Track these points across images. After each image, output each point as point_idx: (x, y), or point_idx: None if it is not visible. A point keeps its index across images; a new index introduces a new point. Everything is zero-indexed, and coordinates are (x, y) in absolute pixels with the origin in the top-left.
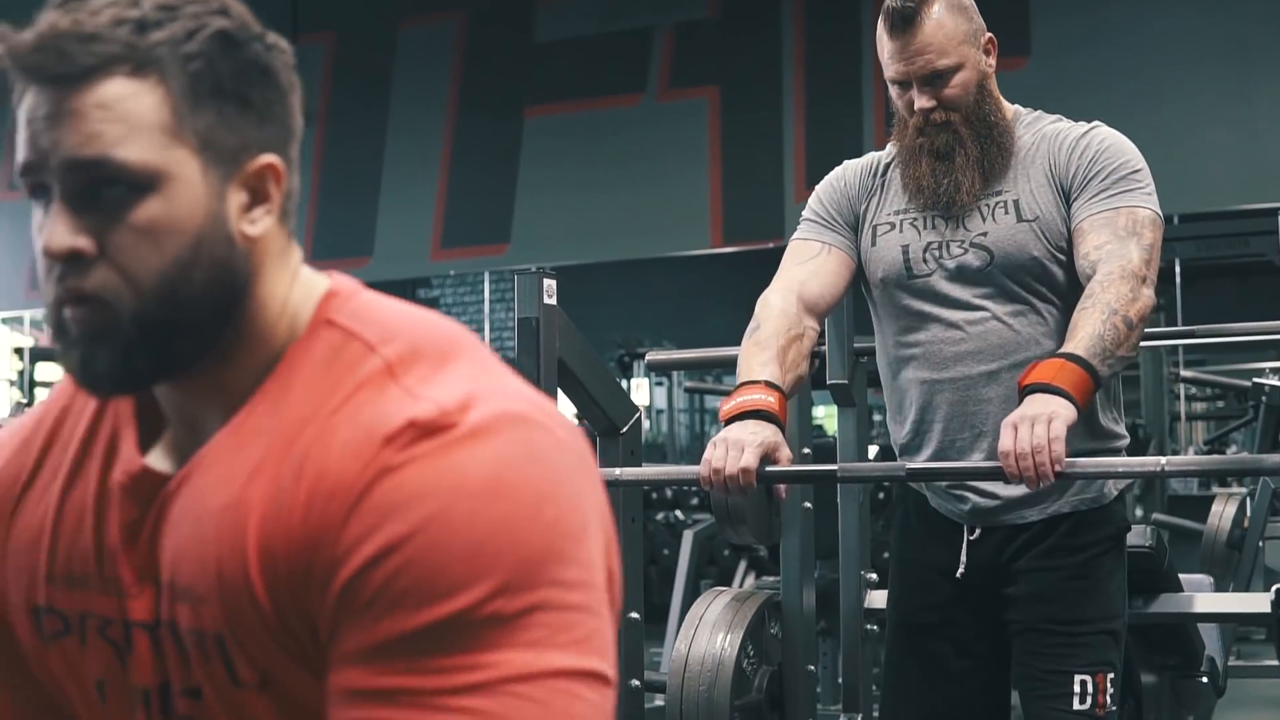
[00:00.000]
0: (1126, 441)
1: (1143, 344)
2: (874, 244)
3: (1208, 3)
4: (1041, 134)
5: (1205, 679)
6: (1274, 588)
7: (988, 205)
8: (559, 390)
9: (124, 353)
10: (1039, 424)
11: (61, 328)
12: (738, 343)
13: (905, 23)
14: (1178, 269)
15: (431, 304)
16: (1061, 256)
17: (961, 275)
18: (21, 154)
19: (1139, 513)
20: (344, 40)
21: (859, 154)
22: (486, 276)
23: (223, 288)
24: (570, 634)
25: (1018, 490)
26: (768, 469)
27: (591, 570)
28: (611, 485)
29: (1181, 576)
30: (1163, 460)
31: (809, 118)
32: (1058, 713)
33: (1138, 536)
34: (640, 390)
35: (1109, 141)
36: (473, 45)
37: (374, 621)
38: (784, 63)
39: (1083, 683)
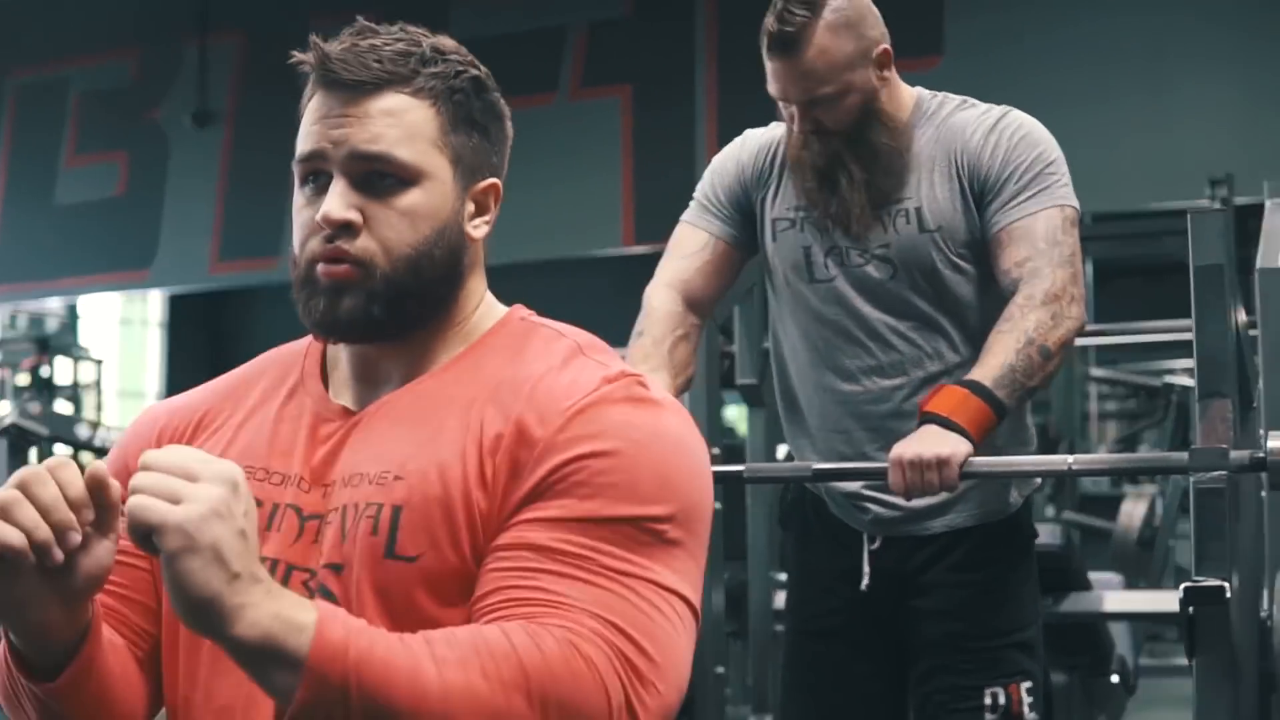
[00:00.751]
0: (1034, 443)
1: None
2: (774, 239)
3: (1123, 2)
4: (947, 128)
5: (1116, 678)
6: (1182, 585)
7: (888, 214)
8: None
9: (367, 304)
10: (929, 471)
11: (311, 280)
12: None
13: (785, 49)
14: (1091, 269)
15: None
16: (966, 264)
17: (864, 285)
18: (308, 144)
19: (1050, 512)
20: (254, 39)
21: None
22: None
23: (452, 270)
24: (691, 573)
25: (921, 502)
26: None
27: (709, 531)
28: None
29: (1091, 575)
30: (1070, 459)
31: (721, 116)
32: None
33: (1047, 535)
34: None
35: (1021, 133)
36: None
37: (577, 501)
38: (696, 60)
39: (994, 694)
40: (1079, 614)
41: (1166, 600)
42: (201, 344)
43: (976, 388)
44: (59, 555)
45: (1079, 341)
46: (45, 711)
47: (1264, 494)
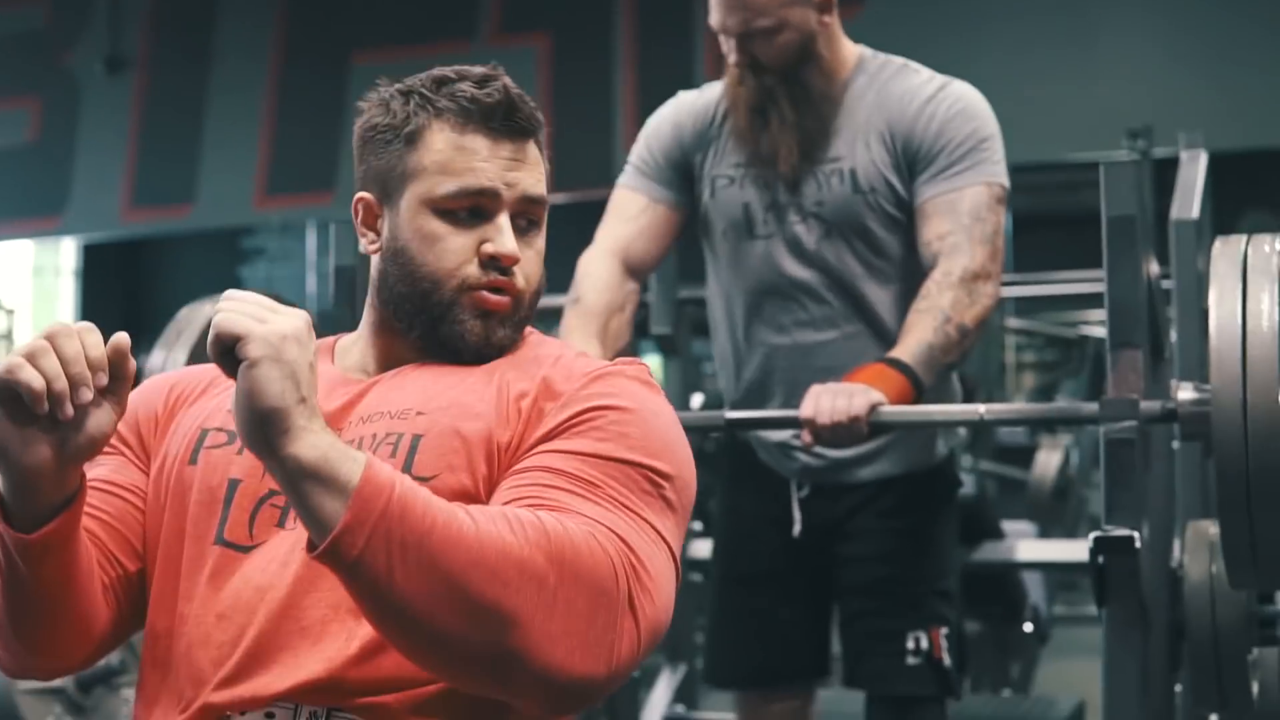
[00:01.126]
0: (959, 399)
1: None
2: (713, 197)
3: None
4: (887, 93)
5: (1029, 626)
6: (1092, 535)
7: (823, 171)
8: None
9: (513, 333)
10: (841, 397)
11: (463, 304)
12: (564, 291)
13: None
14: (1010, 220)
15: (256, 253)
16: (898, 224)
17: (799, 241)
18: (479, 180)
19: (968, 462)
20: None
21: (689, 71)
22: (312, 225)
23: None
24: (678, 539)
25: (848, 452)
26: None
27: (689, 518)
28: None
29: (1006, 525)
30: (982, 408)
31: (640, 66)
32: (894, 667)
33: None
34: None
35: (958, 107)
36: None
37: (594, 441)
38: (615, 9)
39: (916, 639)
40: (992, 563)
41: (1078, 550)
42: (116, 292)
43: (896, 363)
44: (69, 409)
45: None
46: (9, 567)
47: (1176, 445)
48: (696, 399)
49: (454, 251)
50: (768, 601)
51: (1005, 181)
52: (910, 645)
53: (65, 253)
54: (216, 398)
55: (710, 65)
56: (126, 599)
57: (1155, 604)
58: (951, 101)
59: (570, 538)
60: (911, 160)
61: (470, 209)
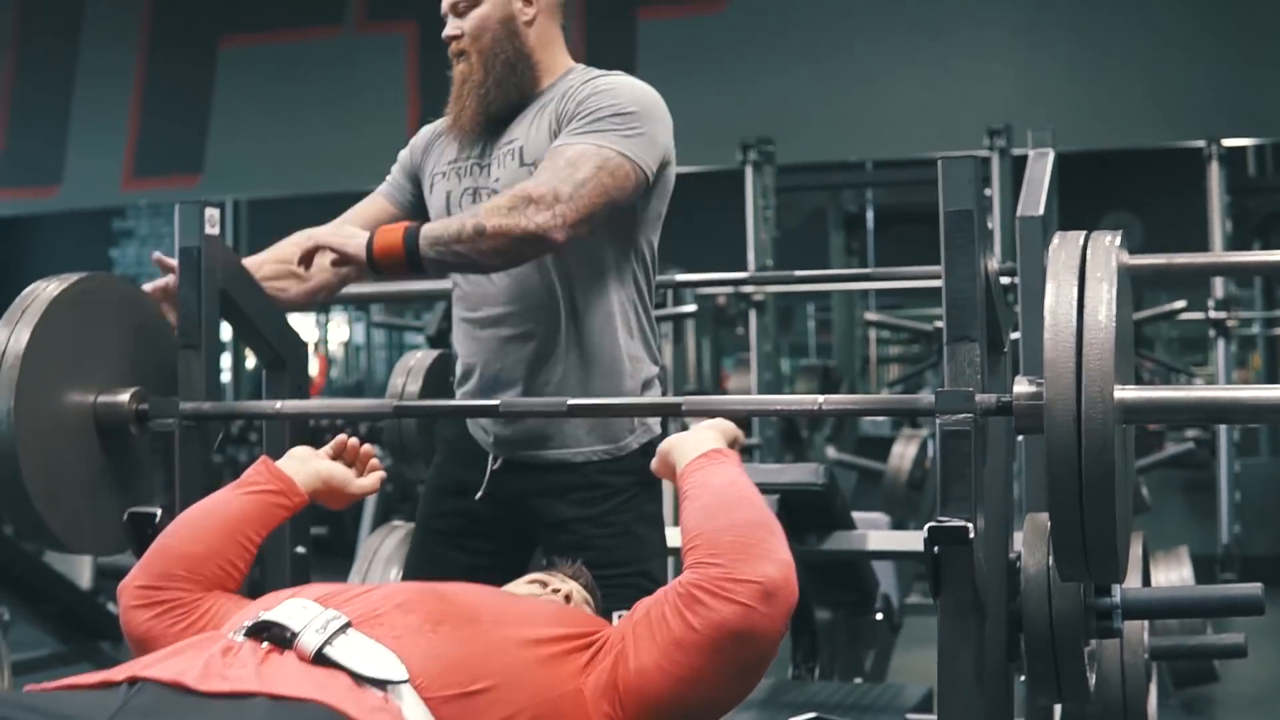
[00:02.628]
0: (656, 373)
1: (831, 287)
2: (430, 192)
3: None
4: (568, 84)
5: (880, 616)
6: (926, 525)
7: (501, 153)
8: (222, 321)
9: None
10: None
11: None
12: None
13: None
14: (870, 215)
15: (126, 235)
16: None
17: None
18: None
19: (831, 453)
20: None
21: None
22: (178, 208)
23: None
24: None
25: (536, 424)
26: (403, 404)
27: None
28: (273, 419)
29: (858, 515)
30: (820, 399)
31: None
32: None
33: (809, 474)
34: (339, 326)
35: (609, 85)
36: None
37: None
38: None
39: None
40: (839, 552)
41: (919, 539)
42: None
43: (411, 230)
44: None
45: (856, 286)
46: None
47: (1019, 440)
48: None
49: None
50: (451, 558)
51: (633, 157)
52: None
53: None
54: None
55: (579, 47)
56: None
57: (994, 595)
58: (607, 83)
59: None
60: (557, 131)
61: None
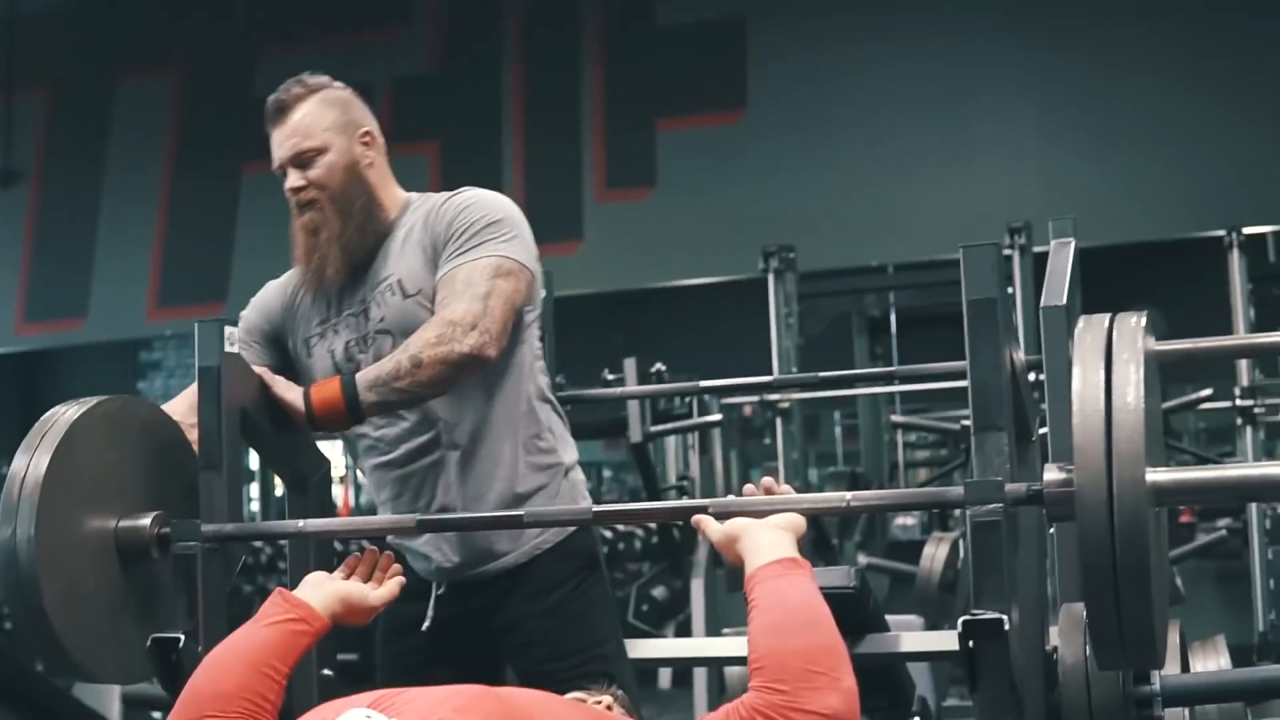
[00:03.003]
0: (573, 461)
1: (855, 392)
2: (310, 356)
3: (923, 51)
4: (423, 211)
5: (917, 719)
6: (960, 620)
7: (379, 293)
8: (241, 440)
9: None
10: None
11: None
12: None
13: (279, 112)
14: (893, 317)
15: (153, 367)
16: None
17: (380, 359)
18: None
19: (861, 559)
20: (60, 95)
21: (577, 196)
22: (197, 326)
23: None
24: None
25: (472, 556)
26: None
27: None
28: (296, 538)
29: (892, 618)
30: (848, 495)
31: (527, 162)
32: None
33: (840, 577)
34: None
35: (469, 200)
36: (190, 101)
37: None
38: (503, 112)
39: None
40: (873, 655)
41: (954, 639)
42: (12, 404)
43: (348, 379)
44: None
45: (881, 390)
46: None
47: (1051, 531)
48: None
49: None
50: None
51: (516, 256)
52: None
53: None
54: None
55: (599, 161)
56: None
57: (1031, 689)
58: (465, 198)
59: None
60: (436, 254)
61: None
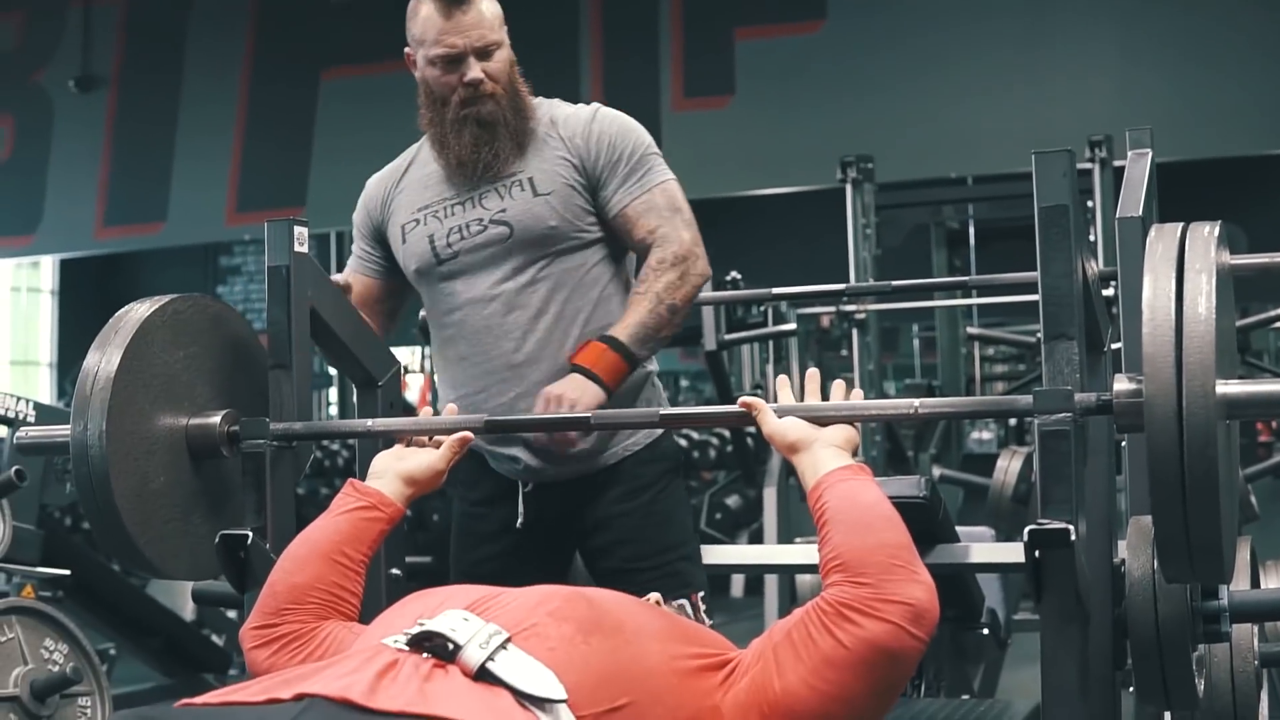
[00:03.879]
0: (654, 367)
1: (935, 303)
2: (404, 242)
3: None
4: (550, 118)
5: (987, 631)
6: (1026, 529)
7: (504, 185)
8: (312, 341)
9: None
10: (563, 406)
11: None
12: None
13: (460, 1)
14: (971, 230)
15: (233, 271)
16: (577, 229)
17: (484, 251)
18: None
19: (935, 471)
20: (136, 2)
21: (655, 105)
22: (267, 226)
23: None
24: None
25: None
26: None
27: None
28: (365, 437)
29: (962, 530)
30: (916, 402)
31: (606, 70)
32: None
33: (910, 487)
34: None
35: (618, 123)
36: (267, 6)
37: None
38: (580, 22)
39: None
40: (942, 565)
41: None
42: (93, 310)
43: (613, 342)
44: None
45: (959, 302)
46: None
47: (1124, 443)
48: None
49: None
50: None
51: (674, 177)
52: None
53: (44, 272)
54: None
55: (678, 67)
56: None
57: (1098, 602)
58: (610, 121)
59: None
60: (589, 175)
61: None
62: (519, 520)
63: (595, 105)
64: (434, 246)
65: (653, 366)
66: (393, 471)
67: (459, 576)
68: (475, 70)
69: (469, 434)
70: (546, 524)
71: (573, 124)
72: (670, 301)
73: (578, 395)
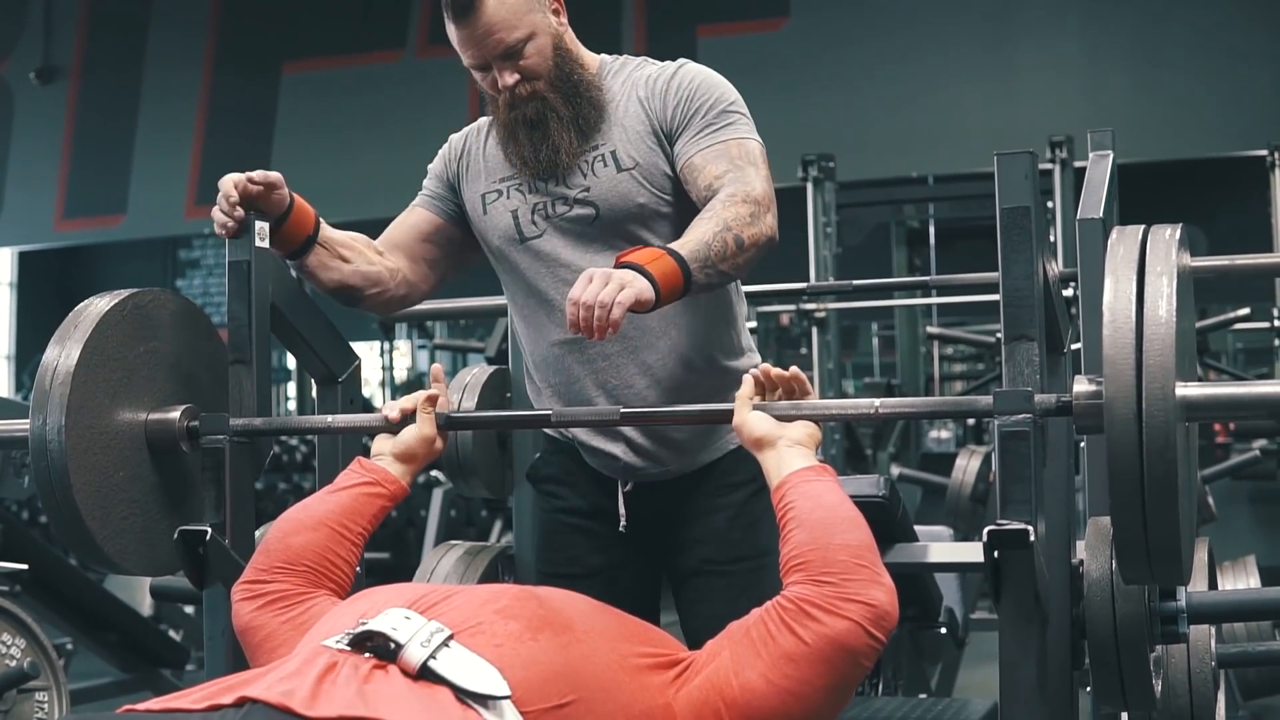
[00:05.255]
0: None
1: (895, 302)
2: (485, 213)
3: None
4: (631, 81)
5: (944, 630)
6: (985, 529)
7: (587, 161)
8: (271, 336)
9: None
10: (611, 283)
11: None
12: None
13: (466, 9)
14: (931, 229)
15: (192, 265)
16: (666, 201)
17: (570, 232)
18: None
19: (894, 470)
20: None
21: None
22: None
23: None
24: None
25: (665, 454)
26: (453, 414)
27: None
28: (325, 434)
29: (921, 529)
30: (877, 402)
31: None
32: None
33: (869, 485)
34: (403, 353)
35: (700, 77)
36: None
37: None
38: None
39: None
40: (901, 564)
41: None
42: (52, 303)
43: (671, 251)
44: None
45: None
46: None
47: (1082, 444)
48: None
49: None
50: (597, 595)
51: (758, 139)
52: None
53: (1, 264)
54: None
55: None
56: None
57: (1057, 602)
58: (693, 74)
59: None
60: (668, 130)
61: None
62: (621, 524)
63: (681, 61)
64: (517, 222)
65: (755, 358)
66: (388, 451)
67: (544, 579)
68: (505, 77)
69: (433, 391)
70: (644, 524)
71: (654, 84)
72: (738, 234)
73: (625, 277)
